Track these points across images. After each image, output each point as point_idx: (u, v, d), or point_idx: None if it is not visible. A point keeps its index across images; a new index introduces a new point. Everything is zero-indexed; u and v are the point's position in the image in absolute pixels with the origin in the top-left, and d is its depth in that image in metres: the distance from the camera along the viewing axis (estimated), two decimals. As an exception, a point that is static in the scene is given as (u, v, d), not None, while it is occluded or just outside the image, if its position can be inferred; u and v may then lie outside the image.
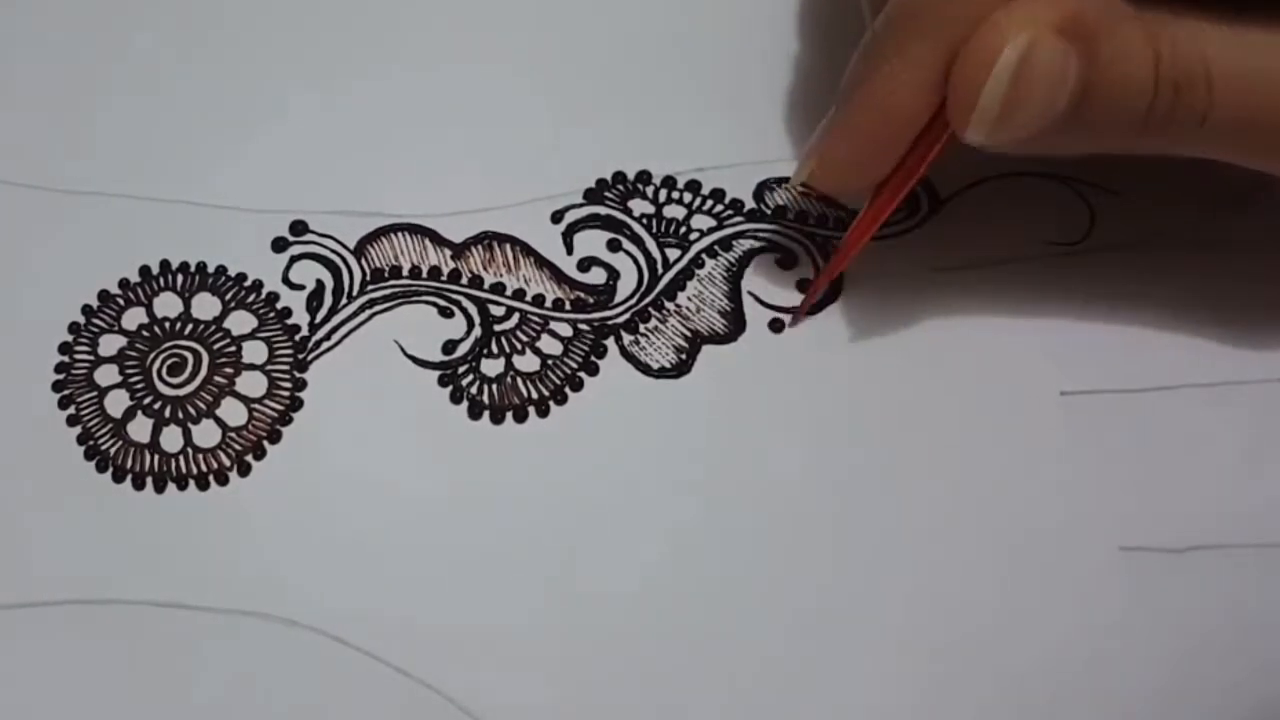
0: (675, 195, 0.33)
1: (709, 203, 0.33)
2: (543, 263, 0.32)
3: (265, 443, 0.30)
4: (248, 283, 0.31)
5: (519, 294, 0.31)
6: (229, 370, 0.30)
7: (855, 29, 0.34)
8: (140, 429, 0.30)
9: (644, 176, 0.33)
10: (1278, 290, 0.31)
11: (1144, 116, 0.25)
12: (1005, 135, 0.25)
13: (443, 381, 0.30)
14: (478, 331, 0.31)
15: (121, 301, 0.31)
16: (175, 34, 0.35)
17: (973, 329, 0.31)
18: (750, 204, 0.33)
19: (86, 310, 0.31)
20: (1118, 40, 0.25)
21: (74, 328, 0.31)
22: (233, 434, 0.30)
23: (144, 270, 0.32)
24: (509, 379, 0.30)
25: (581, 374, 0.31)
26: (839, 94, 0.28)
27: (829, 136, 0.29)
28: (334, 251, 0.32)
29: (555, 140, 0.34)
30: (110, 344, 0.31)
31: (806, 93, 0.34)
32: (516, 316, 0.31)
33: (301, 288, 0.31)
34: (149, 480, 0.29)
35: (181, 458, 0.29)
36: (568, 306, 0.31)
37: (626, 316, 0.31)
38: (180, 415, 0.30)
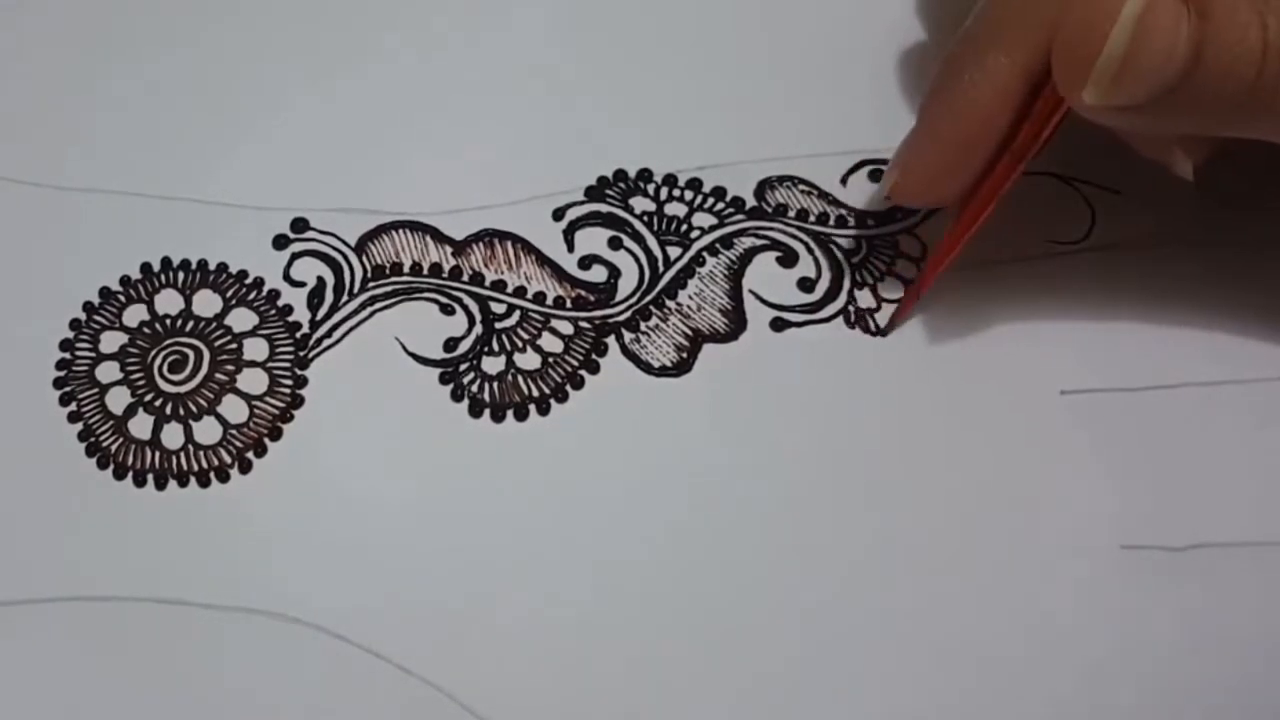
0: (676, 193, 0.33)
1: (710, 201, 0.33)
2: (544, 260, 0.32)
3: (266, 440, 0.30)
4: (249, 280, 0.31)
5: (520, 291, 0.31)
6: (230, 367, 0.30)
7: (856, 29, 0.34)
8: (141, 426, 0.30)
9: (645, 174, 0.33)
10: (1278, 290, 0.31)
11: (1251, 87, 0.25)
12: (1120, 97, 0.25)
13: (444, 379, 0.30)
14: (479, 329, 0.31)
15: (123, 298, 0.31)
16: (176, 32, 0.35)
17: (973, 328, 0.31)
18: (751, 202, 0.33)
19: (88, 307, 0.31)
20: (1227, 5, 0.25)
21: (75, 324, 0.31)
22: (234, 431, 0.30)
23: (145, 267, 0.31)
24: (510, 377, 0.30)
25: (582, 372, 0.31)
26: (921, 105, 0.29)
27: (911, 147, 0.29)
28: (335, 249, 0.32)
29: (556, 138, 0.34)
30: (111, 341, 0.31)
31: (807, 91, 0.34)
32: (517, 314, 0.31)
33: (303, 285, 0.31)
34: (150, 477, 0.29)
35: (182, 455, 0.29)
36: (569, 304, 0.31)
37: (627, 314, 0.31)
38: (181, 412, 0.30)
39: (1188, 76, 0.25)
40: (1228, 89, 0.25)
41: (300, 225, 0.32)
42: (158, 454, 0.29)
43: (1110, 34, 0.25)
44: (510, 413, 0.30)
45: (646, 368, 0.31)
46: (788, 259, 0.32)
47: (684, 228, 0.32)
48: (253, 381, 0.30)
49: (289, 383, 0.30)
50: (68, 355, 0.30)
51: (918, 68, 0.34)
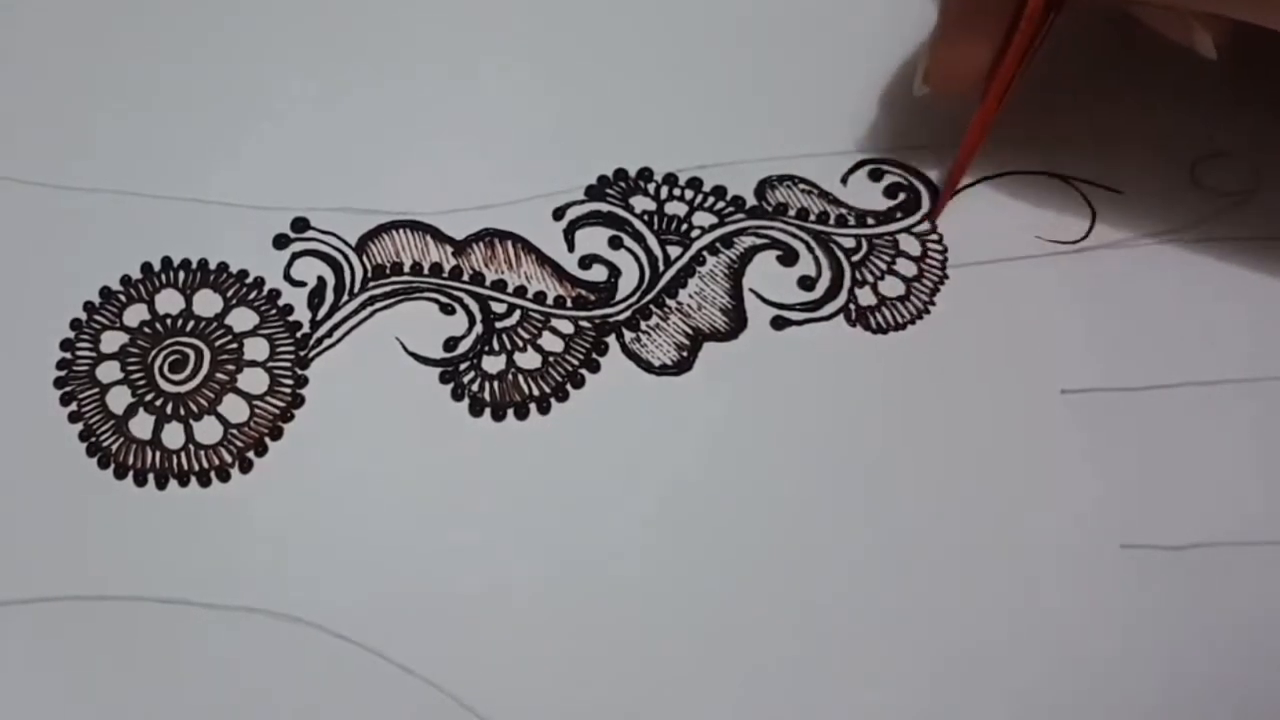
0: (677, 192, 0.33)
1: (710, 200, 0.33)
2: (544, 260, 0.32)
3: (267, 439, 0.30)
4: (249, 280, 0.31)
5: (520, 291, 0.31)
6: (231, 367, 0.30)
7: (856, 28, 0.34)
8: (142, 425, 0.30)
9: (645, 174, 0.33)
10: (1277, 289, 0.31)
11: None
12: None
13: (444, 378, 0.30)
14: (479, 328, 0.31)
15: (123, 298, 0.31)
16: (177, 32, 0.35)
17: (973, 328, 0.31)
18: (752, 201, 0.33)
19: (88, 307, 0.31)
20: None
21: (76, 324, 0.31)
22: (234, 430, 0.30)
23: (146, 267, 0.32)
24: (510, 376, 0.30)
25: (583, 371, 0.31)
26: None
27: (939, 32, 0.30)
28: (335, 248, 0.32)
29: (557, 137, 0.34)
30: (112, 341, 0.31)
31: (808, 90, 0.34)
32: (518, 314, 0.31)
33: (303, 285, 0.31)
34: (150, 477, 0.29)
35: (183, 454, 0.29)
36: (569, 304, 0.31)
37: (628, 314, 0.31)
38: (182, 412, 0.30)
39: None
40: None
41: (300, 225, 0.32)
42: (158, 454, 0.29)
43: None
44: (511, 412, 0.30)
45: (647, 366, 0.31)
46: (788, 258, 0.32)
47: (684, 227, 0.32)
48: (253, 381, 0.30)
49: (289, 382, 0.30)
50: (68, 355, 0.30)
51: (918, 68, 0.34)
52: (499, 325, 0.31)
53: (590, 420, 0.30)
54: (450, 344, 0.31)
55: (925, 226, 0.32)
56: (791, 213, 0.33)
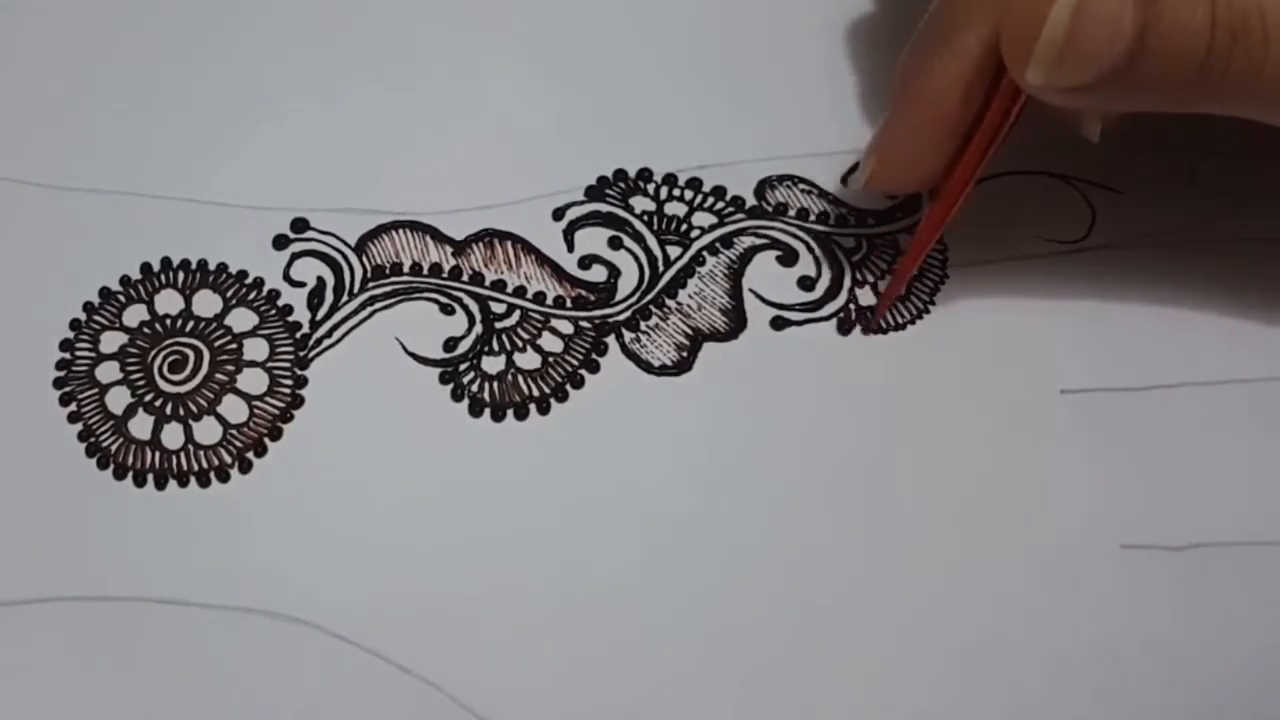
0: (676, 193, 0.33)
1: (710, 200, 0.33)
2: (544, 260, 0.32)
3: (266, 440, 0.30)
4: (249, 280, 0.31)
5: (520, 291, 0.31)
6: (230, 367, 0.30)
7: (856, 28, 0.34)
8: (141, 426, 0.30)
9: (645, 174, 0.33)
10: (1277, 289, 0.31)
11: (1201, 64, 0.25)
12: (1064, 78, 0.25)
13: (444, 379, 0.30)
14: (479, 329, 0.31)
15: (123, 298, 0.31)
16: (177, 32, 0.35)
17: (973, 328, 0.31)
18: (751, 201, 0.33)
19: (88, 307, 0.31)
20: None
21: (75, 325, 0.31)
22: (234, 431, 0.30)
23: (145, 267, 0.32)
24: (510, 376, 0.30)
25: (582, 371, 0.31)
26: (891, 92, 0.29)
27: (886, 134, 0.29)
28: (335, 249, 0.32)
29: (556, 137, 0.34)
30: (111, 341, 0.31)
31: (808, 90, 0.34)
32: (517, 314, 0.31)
33: (302, 285, 0.31)
34: (150, 477, 0.29)
35: (182, 455, 0.29)
36: (569, 304, 0.31)
37: (627, 314, 0.31)
38: (181, 412, 0.30)
39: (1134, 57, 0.25)
40: (1178, 68, 0.25)
41: (300, 225, 0.32)
42: (158, 454, 0.29)
43: (1050, 14, 0.25)
44: (510, 412, 0.30)
45: (647, 367, 0.31)
46: (788, 258, 0.32)
47: (684, 227, 0.32)
48: (253, 381, 0.30)
49: (289, 383, 0.30)
50: (68, 355, 0.30)
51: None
52: (499, 325, 0.31)
53: (590, 421, 0.30)
54: (450, 344, 0.31)
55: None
56: (791, 213, 0.33)
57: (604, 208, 0.33)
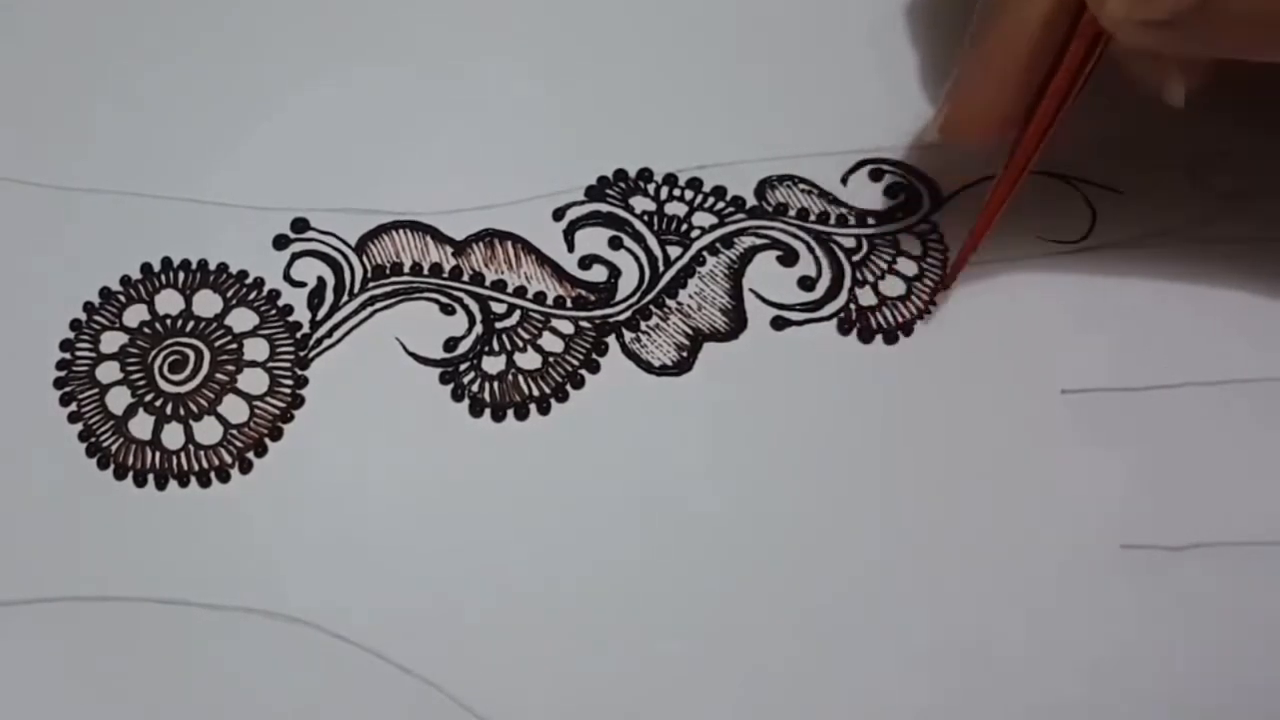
0: (677, 193, 0.33)
1: (710, 200, 0.33)
2: (544, 260, 0.32)
3: (267, 440, 0.30)
4: (249, 280, 0.31)
5: (520, 291, 0.31)
6: (230, 367, 0.30)
7: (856, 28, 0.34)
8: (141, 426, 0.30)
9: (645, 174, 0.33)
10: (1277, 289, 0.31)
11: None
12: (1144, 10, 0.24)
13: (444, 379, 0.30)
14: (479, 329, 0.31)
15: (123, 298, 0.31)
16: (177, 32, 0.35)
17: (973, 328, 0.31)
18: (752, 201, 0.33)
19: (88, 307, 0.31)
20: None
21: (75, 325, 0.31)
22: (234, 431, 0.30)
23: (145, 267, 0.32)
24: (510, 376, 0.30)
25: (583, 371, 0.31)
26: (966, 37, 0.28)
27: (962, 78, 0.29)
28: (335, 249, 0.32)
29: (557, 137, 0.34)
30: (112, 341, 0.31)
31: (807, 91, 0.34)
32: (518, 314, 0.31)
33: (303, 285, 0.31)
34: (150, 477, 0.29)
35: (183, 455, 0.29)
36: (569, 304, 0.31)
37: (628, 314, 0.31)
38: (182, 412, 0.30)
39: None
40: (1260, 6, 0.24)
41: (300, 225, 0.32)
42: (158, 454, 0.29)
43: None
44: (510, 412, 0.30)
45: (647, 367, 0.31)
46: (788, 258, 0.32)
47: (684, 227, 0.32)
48: (253, 381, 0.30)
49: (289, 383, 0.30)
50: (68, 355, 0.30)
51: (918, 67, 0.34)
52: (499, 325, 0.31)
53: (590, 421, 0.30)
54: (450, 344, 0.31)
55: (922, 242, 0.32)
56: (791, 213, 0.33)
57: (604, 208, 0.33)
